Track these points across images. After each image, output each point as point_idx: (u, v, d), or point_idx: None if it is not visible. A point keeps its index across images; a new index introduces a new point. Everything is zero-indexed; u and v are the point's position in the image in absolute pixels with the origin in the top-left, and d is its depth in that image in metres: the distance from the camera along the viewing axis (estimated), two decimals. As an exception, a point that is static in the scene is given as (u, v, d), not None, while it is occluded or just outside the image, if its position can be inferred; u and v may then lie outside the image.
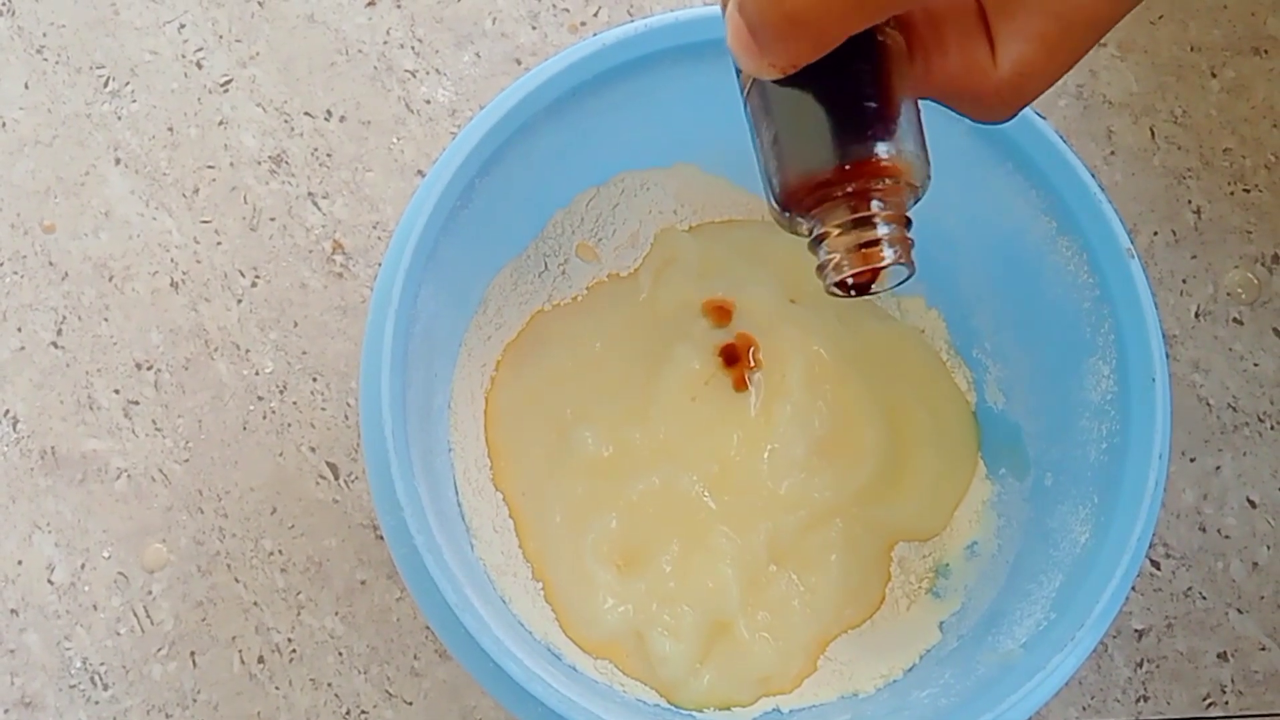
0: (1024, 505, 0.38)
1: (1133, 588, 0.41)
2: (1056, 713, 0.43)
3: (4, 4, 0.48)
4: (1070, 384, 0.36)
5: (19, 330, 0.45)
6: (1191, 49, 0.49)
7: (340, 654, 0.43)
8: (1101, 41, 0.49)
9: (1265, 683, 0.44)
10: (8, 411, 0.44)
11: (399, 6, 0.48)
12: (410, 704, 0.43)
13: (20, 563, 0.43)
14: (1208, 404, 0.46)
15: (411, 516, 0.31)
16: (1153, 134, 0.48)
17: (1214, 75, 0.49)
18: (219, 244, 0.46)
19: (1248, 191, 0.48)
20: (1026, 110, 0.33)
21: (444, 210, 0.33)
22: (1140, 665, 0.44)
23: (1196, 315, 0.47)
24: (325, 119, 0.47)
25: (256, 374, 0.45)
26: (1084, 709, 0.43)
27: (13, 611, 0.43)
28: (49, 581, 0.43)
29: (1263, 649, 0.44)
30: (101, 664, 0.43)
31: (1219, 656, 0.44)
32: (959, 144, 0.36)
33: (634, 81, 0.35)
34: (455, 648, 0.31)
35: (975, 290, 0.40)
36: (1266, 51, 0.49)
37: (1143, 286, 0.34)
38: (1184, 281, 0.47)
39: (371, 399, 0.32)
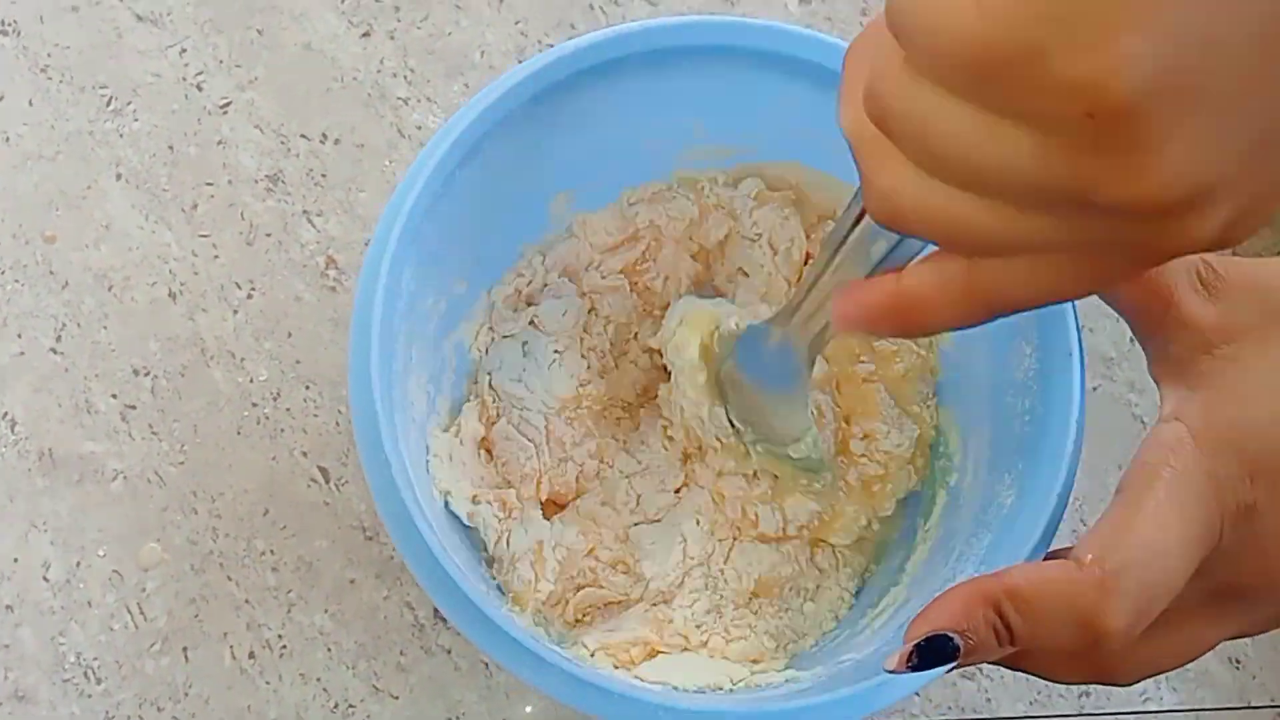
0: (955, 479, 0.42)
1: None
2: (1005, 708, 0.46)
3: (9, 25, 0.50)
4: (997, 364, 0.39)
5: (19, 336, 0.47)
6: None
7: (329, 650, 0.45)
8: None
9: (1196, 680, 0.47)
10: (6, 414, 0.46)
11: (392, 38, 0.51)
12: (396, 698, 0.44)
13: (16, 560, 0.45)
14: (1142, 421, 0.50)
15: (398, 473, 0.33)
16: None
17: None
18: (216, 257, 0.48)
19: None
20: None
21: (430, 193, 0.36)
22: (1082, 663, 0.47)
23: (1131, 340, 0.51)
24: (320, 141, 0.50)
25: (251, 381, 0.47)
26: (1030, 704, 0.46)
27: (8, 607, 0.44)
28: (44, 579, 0.45)
29: (1194, 648, 0.47)
30: (95, 659, 0.44)
31: (1154, 656, 0.47)
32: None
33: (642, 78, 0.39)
34: (433, 590, 0.33)
35: None
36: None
37: None
38: (1120, 309, 0.51)
39: (360, 368, 0.34)
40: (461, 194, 0.37)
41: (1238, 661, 0.47)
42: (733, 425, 0.41)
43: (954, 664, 0.31)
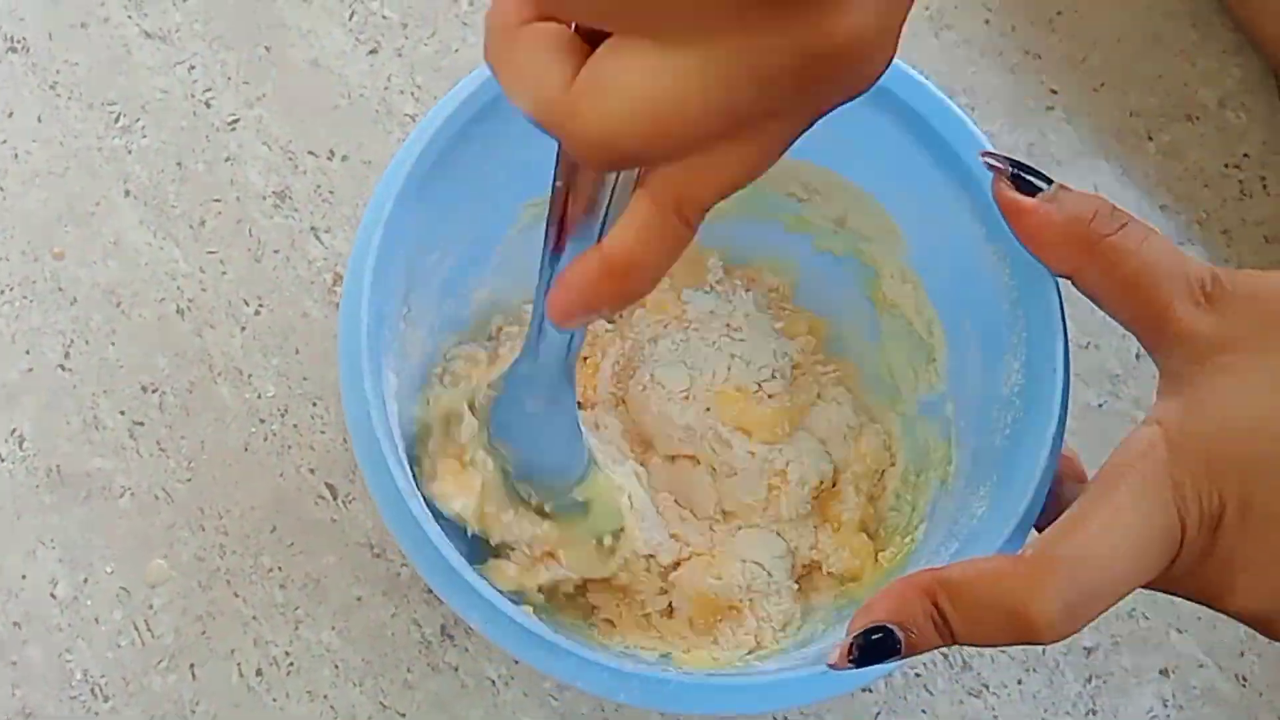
0: (935, 490, 0.42)
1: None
2: (1012, 725, 0.46)
3: (19, 42, 0.50)
4: (987, 379, 0.39)
5: (27, 353, 0.47)
6: (1131, 114, 0.54)
7: (336, 667, 0.45)
8: (1050, 106, 0.53)
9: (1202, 697, 0.47)
10: (14, 431, 0.46)
11: (400, 55, 0.51)
12: (403, 715, 0.44)
13: (24, 577, 0.45)
14: (1148, 438, 0.50)
15: (376, 413, 0.35)
16: (1096, 190, 0.52)
17: (1151, 139, 0.53)
18: (224, 274, 0.48)
19: (1181, 245, 0.52)
20: (970, 122, 0.38)
21: (426, 162, 0.37)
22: (1089, 680, 0.47)
23: (1137, 356, 0.51)
24: (328, 158, 0.50)
25: (258, 398, 0.47)
26: (1038, 721, 0.46)
27: (15, 624, 0.44)
28: (51, 596, 0.45)
29: (1200, 666, 0.47)
30: (102, 676, 0.44)
31: (1160, 673, 0.47)
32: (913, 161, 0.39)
33: None
34: (389, 515, 0.35)
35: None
36: (1198, 118, 0.54)
37: (1052, 289, 0.37)
38: (1125, 326, 0.51)
39: (351, 317, 0.36)
40: (455, 170, 0.38)
41: (1244, 678, 0.47)
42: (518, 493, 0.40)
43: (899, 658, 0.31)
